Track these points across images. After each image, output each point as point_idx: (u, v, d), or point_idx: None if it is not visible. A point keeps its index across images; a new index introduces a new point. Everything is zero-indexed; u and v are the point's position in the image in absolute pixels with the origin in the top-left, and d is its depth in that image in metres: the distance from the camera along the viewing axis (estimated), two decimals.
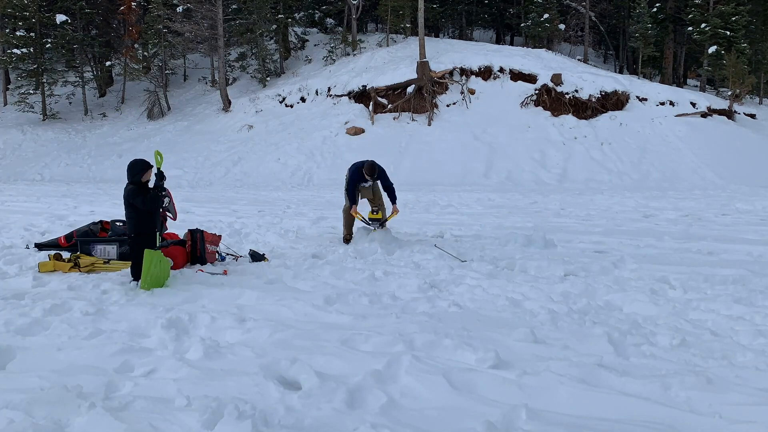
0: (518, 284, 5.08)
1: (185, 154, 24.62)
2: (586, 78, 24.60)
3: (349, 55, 30.68)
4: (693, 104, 24.21)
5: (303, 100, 27.20)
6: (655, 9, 31.35)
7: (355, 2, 31.01)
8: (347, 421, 2.47)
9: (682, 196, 14.68)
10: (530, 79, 25.02)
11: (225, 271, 5.67)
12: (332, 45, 31.46)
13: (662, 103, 24.20)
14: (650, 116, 23.58)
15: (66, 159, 26.67)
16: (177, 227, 6.86)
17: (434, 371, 2.94)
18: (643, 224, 9.28)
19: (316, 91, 27.15)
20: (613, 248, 6.87)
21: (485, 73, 25.58)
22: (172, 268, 5.71)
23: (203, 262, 6.04)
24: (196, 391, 2.71)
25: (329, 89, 26.86)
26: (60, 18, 30.12)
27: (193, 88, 32.27)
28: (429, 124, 23.76)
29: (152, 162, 5.80)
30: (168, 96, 30.34)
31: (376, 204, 7.93)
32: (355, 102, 25.65)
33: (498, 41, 38.57)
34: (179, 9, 29.67)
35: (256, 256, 6.25)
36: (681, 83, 32.71)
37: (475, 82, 25.21)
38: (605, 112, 23.85)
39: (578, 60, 31.43)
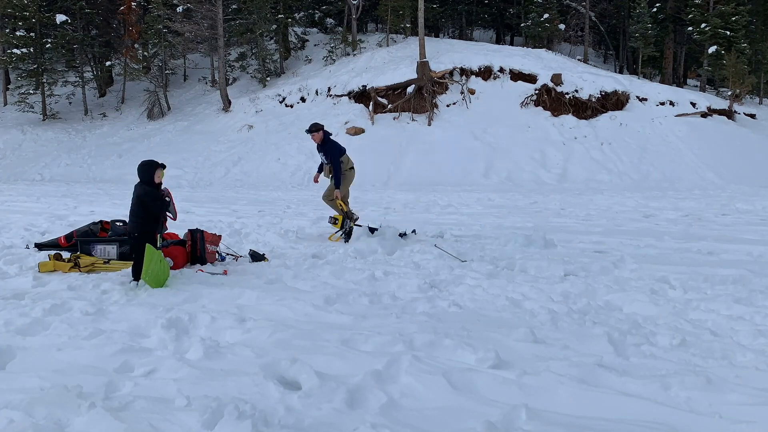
0: (518, 284, 5.08)
1: (185, 154, 24.62)
2: (586, 78, 24.60)
3: (349, 55, 30.67)
4: (693, 104, 24.21)
5: (303, 100, 27.20)
6: (655, 9, 31.35)
7: (355, 2, 31.01)
8: (347, 421, 2.47)
9: (682, 196, 14.68)
10: (530, 79, 25.02)
11: (225, 271, 5.67)
12: (332, 45, 31.46)
13: (662, 103, 24.20)
14: (650, 116, 23.58)
15: (66, 159, 26.67)
16: (177, 227, 6.86)
17: (434, 371, 2.94)
18: (643, 224, 9.28)
19: (316, 91, 27.15)
20: (613, 248, 6.87)
21: (485, 73, 25.58)
22: (172, 268, 5.72)
23: (203, 262, 6.04)
24: (196, 391, 2.71)
25: (329, 89, 26.86)
26: (60, 18, 30.12)
27: (193, 88, 32.27)
28: (429, 124, 23.76)
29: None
30: (168, 96, 30.34)
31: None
32: (355, 102, 25.66)
33: (498, 41, 38.56)
34: (179, 9, 29.67)
35: (256, 256, 6.25)
36: (681, 83, 32.71)
37: (475, 82, 25.21)
38: (605, 112, 23.85)
39: (578, 60, 31.43)
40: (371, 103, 24.89)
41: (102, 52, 32.42)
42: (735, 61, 24.63)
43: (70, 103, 31.86)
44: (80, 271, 5.62)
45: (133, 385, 2.80)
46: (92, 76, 33.00)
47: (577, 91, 23.96)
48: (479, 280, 5.24)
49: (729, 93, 25.80)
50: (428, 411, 2.60)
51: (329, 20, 36.15)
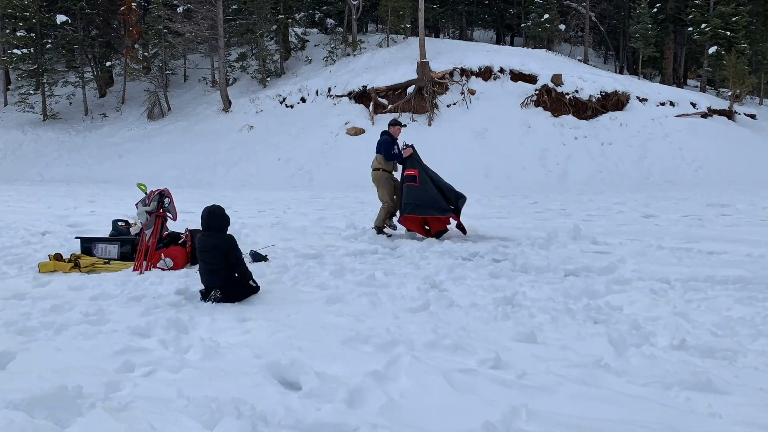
0: (518, 284, 5.08)
1: (185, 155, 24.62)
2: (587, 78, 24.60)
3: (349, 55, 30.68)
4: (693, 104, 24.21)
5: (303, 100, 27.20)
6: (655, 9, 31.35)
7: (355, 2, 31.02)
8: (347, 421, 2.47)
9: (682, 197, 14.68)
10: (530, 79, 25.01)
11: None
12: (332, 45, 31.46)
13: (662, 104, 24.19)
14: (650, 116, 23.58)
15: (66, 159, 26.68)
16: (177, 227, 6.85)
17: (434, 371, 2.94)
18: (644, 224, 9.28)
19: (317, 92, 27.15)
20: (614, 248, 6.87)
21: (485, 73, 25.58)
22: (173, 268, 5.72)
23: None
24: (196, 391, 2.71)
25: (329, 89, 26.87)
26: (60, 18, 30.14)
27: (193, 88, 32.28)
28: (429, 125, 23.76)
29: (138, 191, 5.73)
30: (168, 96, 30.34)
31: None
32: (356, 102, 25.66)
33: (498, 42, 38.56)
34: (179, 9, 29.69)
35: (257, 257, 6.25)
36: (681, 84, 32.71)
37: (475, 83, 25.21)
38: (605, 113, 23.85)
39: (578, 60, 31.44)
40: (371, 103, 24.89)
41: (102, 52, 32.43)
42: (735, 61, 24.63)
43: (71, 103, 31.87)
44: (80, 271, 5.63)
45: (133, 385, 2.80)
46: (92, 77, 33.01)
47: (577, 91, 23.96)
48: (479, 280, 5.24)
49: (729, 93, 25.80)
50: (428, 411, 2.60)
51: (329, 21, 36.16)
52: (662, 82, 30.53)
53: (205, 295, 4.54)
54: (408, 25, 31.18)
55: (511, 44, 37.85)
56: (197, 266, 5.91)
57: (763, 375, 3.03)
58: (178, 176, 22.45)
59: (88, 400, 2.55)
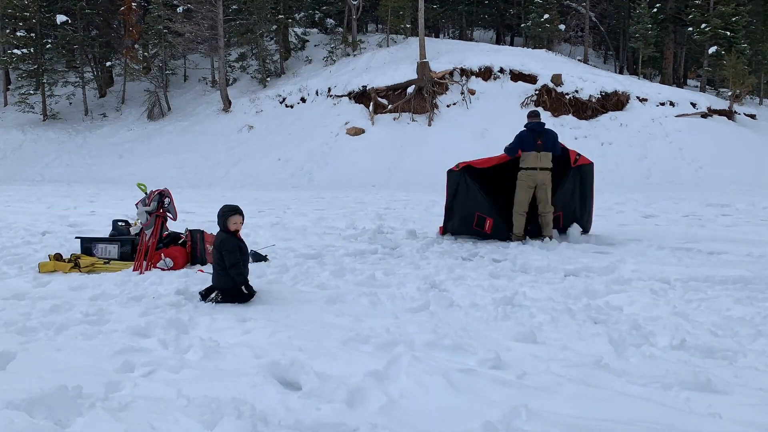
0: (518, 284, 5.08)
1: (185, 155, 24.63)
2: (587, 78, 24.61)
3: (349, 55, 30.68)
4: (693, 104, 24.21)
5: (303, 100, 27.21)
6: (655, 9, 31.35)
7: (355, 3, 31.02)
8: (347, 421, 2.47)
9: (682, 197, 14.68)
10: (530, 79, 25.02)
11: None
12: (332, 45, 31.47)
13: (662, 104, 24.20)
14: (650, 116, 23.58)
15: (66, 159, 26.68)
16: (177, 228, 6.85)
17: (434, 371, 2.94)
18: (644, 224, 9.28)
19: (317, 92, 27.15)
20: (614, 248, 6.87)
21: (485, 73, 25.59)
22: (173, 268, 5.73)
23: (203, 263, 6.04)
24: (196, 391, 2.71)
25: (329, 89, 26.87)
26: (60, 18, 30.15)
27: (193, 88, 32.28)
28: (429, 125, 23.77)
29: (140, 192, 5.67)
30: (168, 96, 30.35)
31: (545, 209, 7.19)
32: (356, 102, 25.66)
33: (498, 42, 38.56)
34: (179, 9, 29.69)
35: (257, 257, 6.25)
36: (681, 84, 32.71)
37: (475, 83, 25.22)
38: (605, 113, 23.85)
39: (578, 60, 31.43)
40: (371, 103, 24.90)
41: (102, 52, 32.43)
42: (735, 61, 24.63)
43: (71, 103, 31.87)
44: (80, 271, 5.63)
45: (133, 385, 2.80)
46: (92, 77, 33.01)
47: (577, 91, 23.96)
48: (479, 280, 5.24)
49: (729, 93, 25.80)
50: (428, 411, 2.60)
51: (329, 21, 36.17)
52: (662, 82, 30.53)
53: (204, 296, 4.53)
54: (408, 25, 31.18)
55: (511, 44, 37.85)
56: (197, 266, 5.93)
57: (763, 375, 3.03)
58: (178, 176, 22.45)
59: (88, 400, 2.55)
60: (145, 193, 6.02)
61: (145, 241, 5.78)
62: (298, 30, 34.59)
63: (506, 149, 7.56)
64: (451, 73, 25.36)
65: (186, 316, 3.95)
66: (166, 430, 2.37)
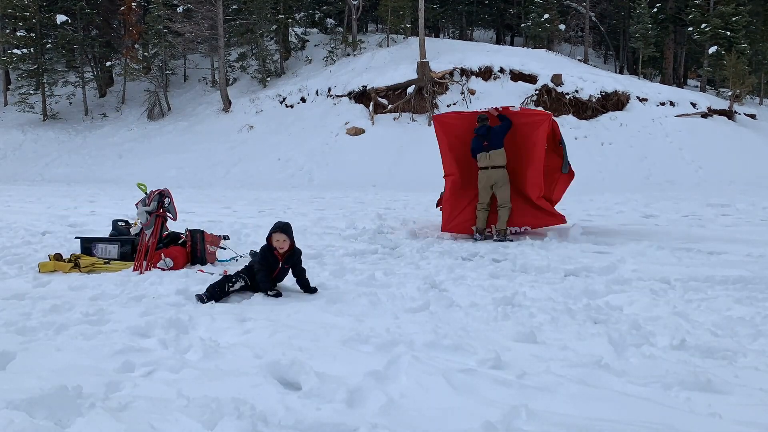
0: (518, 284, 5.08)
1: (186, 155, 24.63)
2: (587, 78, 24.62)
3: (349, 55, 30.68)
4: (693, 104, 24.21)
5: (303, 100, 27.21)
6: (655, 9, 31.36)
7: (355, 2, 31.02)
8: (347, 421, 2.47)
9: (682, 197, 14.68)
10: (530, 79, 25.02)
11: (225, 271, 5.66)
12: (332, 45, 31.47)
13: (662, 104, 24.20)
14: (651, 116, 23.59)
15: (66, 159, 26.69)
16: (177, 228, 6.86)
17: (434, 371, 2.93)
18: (644, 224, 9.28)
19: (317, 92, 27.16)
20: (614, 248, 6.87)
21: (485, 73, 25.60)
22: (173, 268, 5.72)
23: (203, 263, 6.04)
24: (196, 391, 2.71)
25: (329, 89, 26.88)
26: (60, 18, 30.16)
27: (193, 88, 32.29)
28: (429, 125, 23.76)
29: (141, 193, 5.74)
30: (168, 96, 30.35)
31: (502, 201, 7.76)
32: (356, 102, 25.67)
33: (498, 41, 38.58)
34: (179, 9, 29.70)
35: (256, 256, 6.24)
36: (681, 83, 32.72)
37: (475, 83, 25.23)
38: (605, 113, 23.86)
39: (578, 60, 31.43)
40: (371, 103, 24.90)
41: (102, 52, 32.44)
42: (735, 61, 24.63)
43: (71, 103, 31.88)
44: (80, 271, 5.62)
45: (133, 386, 2.80)
46: (92, 77, 33.02)
47: (577, 91, 23.96)
48: (479, 280, 5.24)
49: (729, 93, 25.80)
50: (428, 411, 2.60)
51: (329, 20, 36.19)
52: (662, 82, 30.54)
53: (218, 298, 4.55)
54: (408, 25, 31.20)
55: (511, 44, 37.86)
56: (197, 266, 5.93)
57: (763, 375, 3.03)
58: (178, 176, 22.45)
59: (88, 400, 2.55)
60: (145, 193, 6.02)
61: (145, 241, 5.78)
62: (298, 30, 34.60)
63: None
64: (451, 73, 25.37)
65: (186, 316, 3.95)
66: (166, 430, 2.37)
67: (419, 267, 5.87)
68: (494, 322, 3.97)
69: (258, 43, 29.97)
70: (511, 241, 7.57)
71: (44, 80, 30.21)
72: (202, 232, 6.20)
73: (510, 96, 24.37)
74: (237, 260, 6.34)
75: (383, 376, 2.92)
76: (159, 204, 5.88)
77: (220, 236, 6.68)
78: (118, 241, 6.30)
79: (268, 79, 30.36)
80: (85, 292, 4.78)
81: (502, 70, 25.63)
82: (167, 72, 30.91)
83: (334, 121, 24.93)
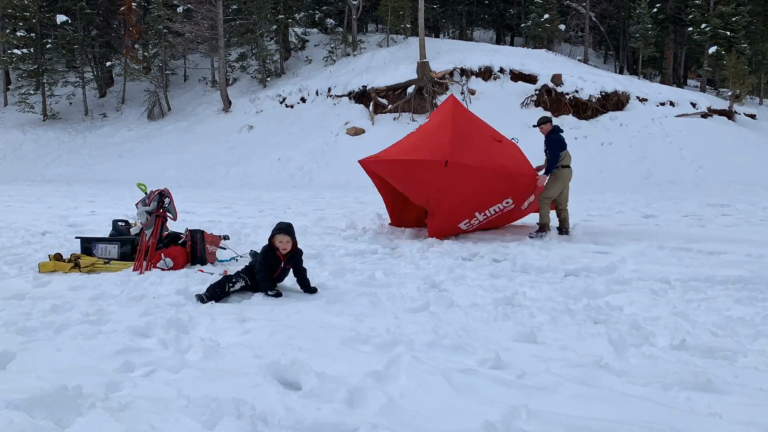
0: (518, 284, 5.08)
1: (186, 155, 24.63)
2: (587, 78, 24.61)
3: (349, 55, 30.68)
4: (693, 104, 24.21)
5: (303, 100, 27.21)
6: (655, 9, 31.36)
7: (355, 3, 31.02)
8: (347, 421, 2.47)
9: (682, 197, 14.69)
10: (530, 79, 25.02)
11: (225, 271, 5.66)
12: (332, 45, 31.47)
13: (662, 104, 24.20)
14: (650, 116, 23.59)
15: (66, 159, 26.68)
16: (177, 228, 6.86)
17: (434, 371, 2.94)
18: (644, 224, 9.28)
19: (317, 92, 27.16)
20: (614, 248, 6.87)
21: (485, 73, 25.60)
22: (173, 268, 5.72)
23: (203, 263, 6.04)
24: (196, 391, 2.71)
25: (329, 90, 26.88)
26: (60, 18, 30.16)
27: (193, 88, 32.29)
28: None
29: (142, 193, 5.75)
30: (168, 96, 30.35)
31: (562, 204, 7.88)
32: (356, 102, 25.67)
33: (498, 41, 38.59)
34: (180, 9, 29.70)
35: (256, 257, 6.24)
36: (681, 84, 32.72)
37: (475, 83, 25.23)
38: (605, 113, 23.86)
39: (578, 60, 31.44)
40: (371, 103, 24.90)
41: (102, 52, 32.44)
42: (735, 61, 24.64)
43: (71, 103, 31.88)
44: (80, 271, 5.62)
45: (133, 386, 2.80)
46: (92, 77, 33.02)
47: (577, 91, 23.96)
48: (479, 280, 5.24)
49: (729, 93, 25.80)
50: (428, 411, 2.60)
51: (329, 20, 36.18)
52: (662, 82, 30.54)
53: (218, 298, 4.54)
54: (408, 25, 31.20)
55: (511, 44, 37.86)
56: (197, 266, 5.93)
57: (763, 375, 3.03)
58: (178, 176, 22.45)
59: (88, 400, 2.55)
60: (145, 193, 6.02)
61: (145, 241, 5.78)
62: (298, 30, 34.61)
63: (552, 164, 7.82)
64: (451, 73, 25.37)
65: (186, 316, 3.95)
66: (166, 430, 2.37)
67: (419, 267, 5.87)
68: (494, 322, 3.97)
69: (258, 43, 29.97)
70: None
71: (44, 80, 30.21)
72: (202, 232, 6.20)
73: (510, 96, 24.39)
74: (237, 260, 6.34)
75: (383, 376, 2.92)
76: (159, 204, 5.88)
77: (220, 236, 6.68)
78: (118, 241, 6.30)
79: (268, 79, 30.36)
80: (85, 292, 4.78)
81: (502, 70, 25.63)
82: (167, 72, 30.91)
83: (334, 121, 24.93)
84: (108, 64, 32.90)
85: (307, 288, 4.86)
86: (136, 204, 6.02)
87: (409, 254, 6.58)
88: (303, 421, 2.46)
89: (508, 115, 23.30)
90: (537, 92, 24.25)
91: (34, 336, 3.58)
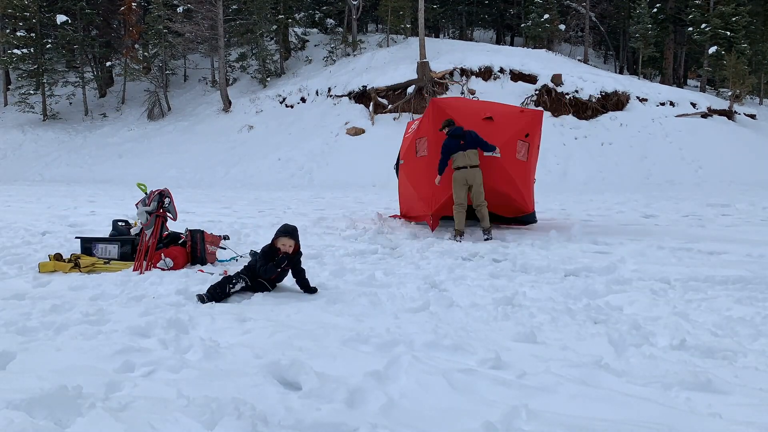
0: (518, 284, 5.08)
1: (186, 155, 24.63)
2: (587, 78, 24.62)
3: (349, 55, 30.68)
4: (693, 105, 24.21)
5: (303, 100, 27.22)
6: (655, 9, 31.36)
7: (355, 3, 31.02)
8: (347, 421, 2.47)
9: (682, 197, 14.69)
10: (530, 79, 25.03)
11: (225, 271, 5.67)
12: (332, 45, 31.48)
13: (662, 104, 24.21)
14: (650, 116, 23.59)
15: (66, 159, 26.68)
16: (177, 228, 6.86)
17: (434, 371, 2.93)
18: (644, 224, 9.28)
19: (317, 92, 27.16)
20: (614, 248, 6.87)
21: (485, 73, 25.60)
22: (173, 268, 5.72)
23: (203, 263, 6.04)
24: (196, 391, 2.71)
25: (329, 90, 26.87)
26: (60, 18, 30.16)
27: (193, 88, 32.29)
28: None
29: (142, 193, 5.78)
30: (168, 96, 30.35)
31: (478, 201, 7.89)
32: (356, 102, 25.67)
33: (498, 42, 38.59)
34: (180, 9, 29.71)
35: (256, 256, 6.24)
36: (681, 84, 32.72)
37: (475, 83, 25.23)
38: (605, 113, 23.86)
39: (578, 60, 31.44)
40: (371, 103, 24.90)
41: (102, 52, 32.44)
42: (735, 61, 24.64)
43: (71, 103, 31.88)
44: (80, 271, 5.62)
45: (133, 386, 2.80)
46: (92, 77, 33.02)
47: (577, 91, 23.96)
48: (479, 280, 5.24)
49: (729, 93, 25.80)
50: (428, 411, 2.60)
51: (329, 21, 36.19)
52: (662, 82, 30.54)
53: (218, 298, 4.54)
54: (408, 25, 31.20)
55: (511, 44, 37.86)
56: (197, 266, 5.93)
57: (763, 375, 3.03)
58: (178, 176, 22.45)
59: (88, 400, 2.55)
60: (145, 193, 6.02)
61: (145, 241, 5.78)
62: (298, 30, 34.61)
63: (440, 167, 7.88)
64: (451, 73, 25.37)
65: (186, 316, 3.95)
66: (166, 430, 2.37)
67: (419, 267, 5.87)
68: (494, 322, 3.97)
69: (258, 43, 29.97)
70: (490, 239, 7.59)
71: (44, 80, 30.21)
72: (202, 232, 6.20)
73: (510, 96, 24.37)
74: (237, 260, 6.34)
75: (383, 376, 2.92)
76: (159, 204, 5.88)
77: (220, 236, 6.68)
78: (118, 241, 6.30)
79: (268, 79, 30.36)
80: (85, 292, 4.78)
81: (502, 70, 25.64)
82: (167, 72, 30.91)
83: (334, 121, 24.93)
84: (108, 64, 32.90)
85: (307, 288, 4.86)
86: (136, 204, 6.02)
87: (409, 254, 6.58)
88: (303, 421, 2.46)
89: None
90: (537, 92, 24.26)
91: (34, 336, 3.58)
